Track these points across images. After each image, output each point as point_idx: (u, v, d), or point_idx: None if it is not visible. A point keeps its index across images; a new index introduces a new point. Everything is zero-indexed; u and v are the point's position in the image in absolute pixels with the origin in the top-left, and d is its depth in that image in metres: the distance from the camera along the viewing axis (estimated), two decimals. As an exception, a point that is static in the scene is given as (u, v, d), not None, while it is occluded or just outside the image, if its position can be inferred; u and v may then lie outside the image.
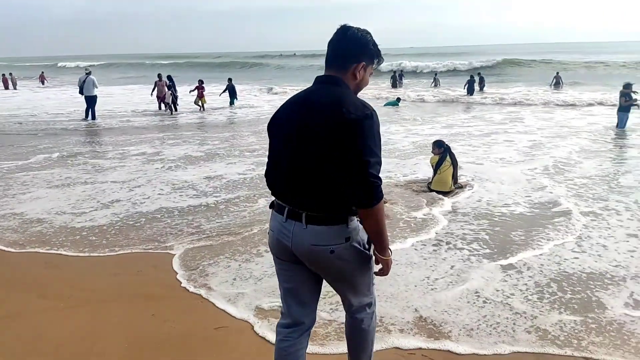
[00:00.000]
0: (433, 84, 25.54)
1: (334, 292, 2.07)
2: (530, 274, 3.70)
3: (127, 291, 3.51)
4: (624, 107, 11.03)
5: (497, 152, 8.61)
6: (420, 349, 2.74)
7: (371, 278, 1.99)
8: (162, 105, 16.21)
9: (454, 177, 6.06)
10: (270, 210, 1.95)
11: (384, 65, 34.15)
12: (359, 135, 1.65)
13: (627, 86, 11.19)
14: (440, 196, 5.78)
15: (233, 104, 17.54)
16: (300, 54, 77.13)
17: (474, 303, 3.27)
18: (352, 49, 1.82)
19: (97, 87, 14.11)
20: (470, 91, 20.17)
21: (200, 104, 16.30)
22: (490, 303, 3.26)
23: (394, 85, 24.83)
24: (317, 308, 2.07)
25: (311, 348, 2.54)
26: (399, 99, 17.70)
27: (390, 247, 1.88)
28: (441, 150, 6.14)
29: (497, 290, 3.44)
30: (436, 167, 6.04)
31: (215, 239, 4.50)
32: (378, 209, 1.71)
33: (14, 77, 30.07)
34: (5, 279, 3.73)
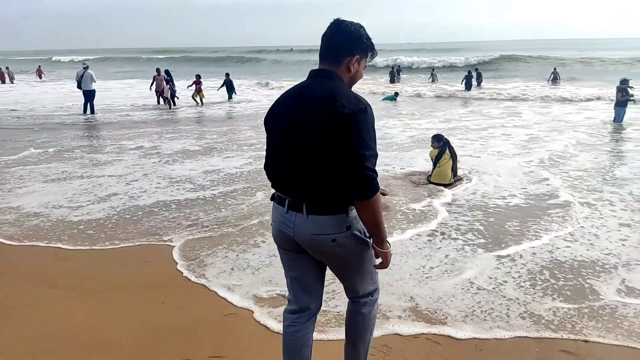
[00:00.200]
0: (430, 79, 25.55)
1: (332, 280, 2.09)
2: (524, 262, 3.76)
3: (134, 281, 3.54)
4: (621, 102, 11.10)
5: (494, 145, 8.66)
6: (422, 334, 2.79)
7: (374, 264, 2.00)
8: (161, 100, 16.17)
9: (454, 170, 6.11)
10: (272, 202, 1.97)
11: (382, 61, 34.38)
12: (353, 130, 1.66)
13: (624, 82, 11.25)
14: (441, 188, 5.83)
15: (231, 98, 17.51)
16: (297, 49, 76.92)
17: (468, 290, 3.32)
18: (345, 43, 1.82)
19: (95, 82, 14.05)
20: (468, 86, 20.19)
21: (198, 98, 16.26)
22: (484, 290, 3.31)
23: (392, 81, 24.83)
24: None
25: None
26: (396, 94, 17.71)
27: (389, 239, 1.90)
28: (440, 144, 6.18)
29: (490, 278, 3.50)
30: (436, 160, 6.09)
31: (214, 230, 4.53)
32: (374, 201, 1.71)
33: (10, 71, 29.87)
34: (13, 271, 3.76)
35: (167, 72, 16.37)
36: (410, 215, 4.92)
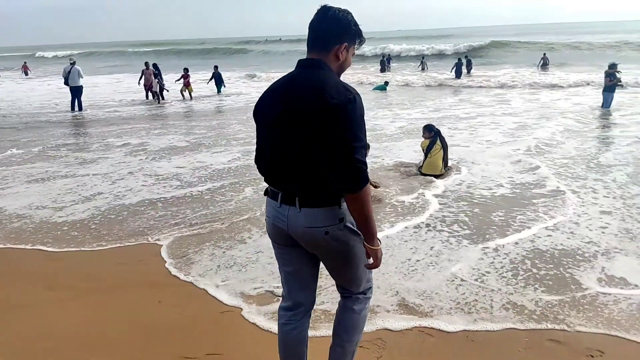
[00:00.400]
0: (420, 67, 25.47)
1: (321, 275, 2.06)
2: (507, 252, 3.80)
3: (129, 280, 3.53)
4: (609, 87, 11.13)
5: (483, 134, 8.69)
6: (414, 327, 2.81)
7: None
8: (150, 95, 15.99)
9: (444, 160, 6.11)
10: (265, 197, 1.96)
11: (372, 50, 34.16)
12: (342, 120, 1.64)
13: (612, 66, 11.28)
14: (432, 179, 5.84)
15: (220, 92, 17.31)
16: (286, 39, 76.30)
17: (452, 281, 3.35)
18: (333, 30, 1.79)
19: (82, 77, 13.85)
20: (458, 74, 20.16)
21: (187, 93, 16.09)
22: (467, 282, 3.34)
23: (382, 70, 24.72)
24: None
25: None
26: (386, 83, 17.64)
27: (380, 233, 1.88)
28: (431, 134, 6.17)
29: (473, 269, 3.53)
30: (427, 150, 6.09)
31: (203, 227, 4.52)
32: (364, 193, 1.70)
33: (-5, 69, 29.38)
34: (9, 272, 3.75)
35: (155, 65, 16.17)
36: (401, 207, 4.92)
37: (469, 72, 21.59)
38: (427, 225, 4.43)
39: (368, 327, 2.67)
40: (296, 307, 2.02)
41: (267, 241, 4.11)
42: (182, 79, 16.16)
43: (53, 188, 6.02)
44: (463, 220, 4.54)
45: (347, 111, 1.65)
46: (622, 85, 11.59)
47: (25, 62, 34.47)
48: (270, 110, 1.82)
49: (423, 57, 27.92)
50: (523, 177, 5.91)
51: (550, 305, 3.00)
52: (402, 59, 32.40)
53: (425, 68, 25.28)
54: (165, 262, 3.81)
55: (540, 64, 23.59)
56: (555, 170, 6.13)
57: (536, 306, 3.00)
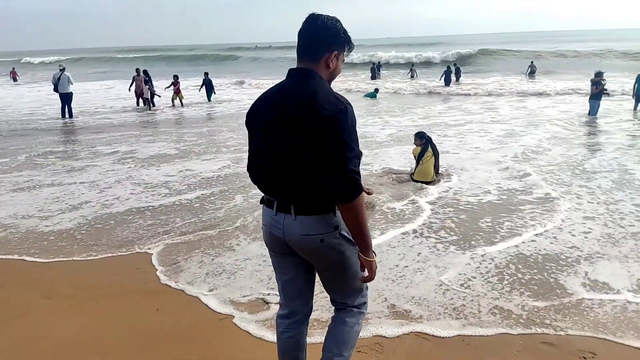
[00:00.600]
0: (410, 75, 25.68)
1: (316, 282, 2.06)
2: (492, 257, 3.86)
3: (125, 289, 3.52)
4: (595, 95, 11.32)
5: (472, 142, 8.77)
6: (412, 332, 2.84)
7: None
8: (140, 101, 15.91)
9: (436, 167, 6.17)
10: (262, 205, 1.96)
11: (362, 57, 34.38)
12: (334, 131, 1.65)
13: (598, 74, 11.48)
14: (424, 185, 5.89)
15: (210, 99, 17.19)
16: (276, 46, 76.49)
17: (440, 286, 3.39)
18: (323, 39, 1.80)
19: (72, 84, 13.73)
20: (447, 82, 20.36)
21: (177, 100, 16.03)
22: (454, 287, 3.38)
23: (373, 77, 24.89)
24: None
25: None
26: (377, 90, 17.75)
27: (375, 240, 1.89)
28: (423, 141, 6.23)
29: (460, 274, 3.58)
30: (418, 158, 6.15)
31: (192, 235, 4.51)
32: (358, 202, 1.70)
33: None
34: (4, 281, 3.72)
35: (145, 72, 16.10)
36: (394, 214, 4.96)
37: (457, 79, 21.82)
38: (415, 231, 4.47)
39: (363, 333, 2.69)
40: (293, 314, 2.03)
41: (255, 248, 4.13)
42: (172, 86, 16.09)
43: (39, 197, 5.95)
44: (450, 226, 4.58)
45: (339, 122, 1.66)
46: (608, 94, 11.79)
47: (13, 68, 34.15)
48: (265, 114, 1.83)
49: (412, 65, 28.18)
50: (510, 183, 5.99)
51: (536, 310, 3.05)
52: (391, 67, 32.67)
53: (415, 76, 25.51)
54: (157, 269, 3.80)
55: (528, 72, 23.93)
56: (542, 176, 6.22)
57: (523, 310, 3.05)
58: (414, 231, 4.47)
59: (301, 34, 1.81)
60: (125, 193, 6.01)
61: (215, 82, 19.03)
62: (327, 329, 2.07)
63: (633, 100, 12.08)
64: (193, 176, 6.72)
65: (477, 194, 5.61)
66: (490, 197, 5.48)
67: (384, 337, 2.80)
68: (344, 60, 1.89)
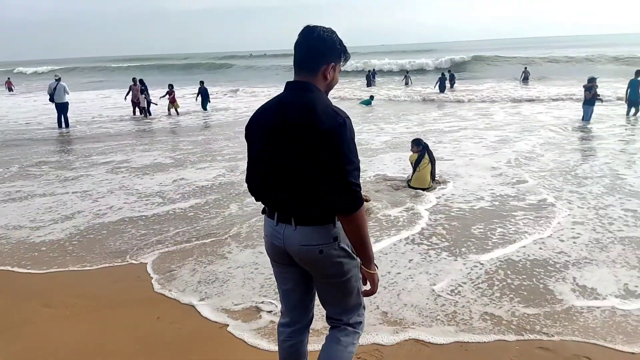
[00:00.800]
0: (404, 82, 25.81)
1: None
2: (481, 263, 3.88)
3: (125, 298, 3.53)
4: (589, 101, 11.40)
5: (467, 148, 8.81)
6: (410, 339, 2.86)
7: (362, 297, 1.97)
8: (137, 110, 15.90)
9: (432, 174, 6.21)
10: (264, 215, 1.98)
11: (357, 65, 34.55)
12: (333, 144, 1.66)
13: (591, 80, 11.56)
14: (421, 192, 5.93)
15: (206, 109, 17.09)
16: (271, 54, 76.81)
17: (431, 293, 3.41)
18: (320, 51, 1.80)
19: (68, 94, 13.73)
20: (442, 88, 20.47)
21: (174, 109, 16.04)
22: (444, 294, 3.40)
23: (368, 84, 25.00)
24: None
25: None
26: (372, 97, 17.82)
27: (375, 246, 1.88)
28: (420, 148, 6.27)
29: (452, 280, 3.60)
30: (415, 164, 6.18)
31: (187, 243, 4.52)
32: (359, 214, 1.71)
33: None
34: (4, 290, 3.73)
35: (141, 81, 16.13)
36: (390, 221, 4.98)
37: (452, 86, 21.95)
38: (412, 238, 4.49)
39: (360, 341, 2.65)
40: (294, 323, 2.05)
41: (248, 256, 4.11)
42: (167, 95, 16.10)
43: (31, 207, 5.93)
44: (441, 233, 4.61)
45: (338, 135, 1.66)
46: (601, 100, 11.88)
47: (9, 78, 34.09)
48: (265, 124, 1.83)
49: (407, 72, 28.34)
50: (502, 189, 6.03)
51: (526, 316, 3.07)
52: (385, 74, 32.85)
53: (409, 83, 25.65)
54: (153, 278, 3.81)
55: (522, 78, 24.10)
56: (535, 182, 6.26)
57: (513, 317, 3.07)
58: (411, 238, 4.48)
59: (297, 46, 1.82)
60: (118, 202, 6.00)
61: (210, 90, 19.04)
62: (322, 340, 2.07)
63: (626, 106, 12.18)
64: (187, 185, 6.72)
65: (470, 200, 5.64)
66: (483, 203, 5.51)
67: (382, 344, 2.81)
68: (340, 70, 1.90)
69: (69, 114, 13.73)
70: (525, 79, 23.93)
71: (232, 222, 5.04)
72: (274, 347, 2.77)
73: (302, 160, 1.72)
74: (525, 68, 24.96)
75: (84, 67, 61.32)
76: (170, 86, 16.39)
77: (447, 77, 21.58)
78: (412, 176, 6.22)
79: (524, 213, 5.08)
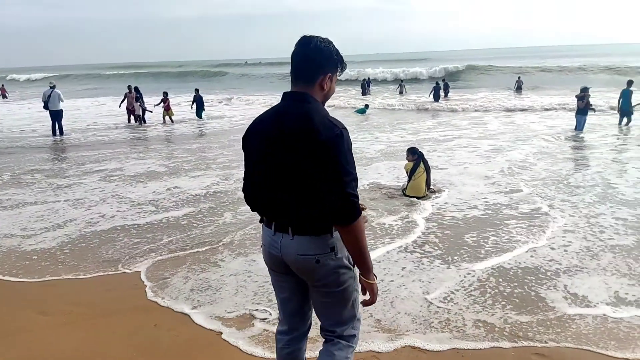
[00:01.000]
0: (399, 91, 25.97)
1: None
2: (473, 271, 3.90)
3: (120, 306, 3.52)
4: (582, 110, 11.52)
5: (461, 157, 8.86)
6: (406, 346, 2.87)
7: (357, 308, 1.97)
8: (132, 118, 15.87)
9: (427, 182, 6.23)
10: (262, 225, 1.99)
11: (351, 74, 34.70)
12: (331, 155, 1.67)
13: (584, 90, 11.68)
14: (416, 201, 5.96)
15: (201, 117, 17.05)
16: (266, 62, 77.13)
17: (424, 301, 3.42)
18: (317, 62, 1.81)
19: (63, 101, 13.67)
20: (436, 97, 20.60)
21: (168, 117, 16.03)
22: (437, 301, 3.42)
23: (363, 93, 25.13)
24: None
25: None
26: (367, 106, 17.90)
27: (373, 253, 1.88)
28: (415, 157, 6.30)
29: (446, 288, 3.61)
30: (410, 173, 6.21)
31: (182, 251, 4.51)
32: (358, 225, 1.72)
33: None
34: (1, 298, 3.71)
35: (136, 89, 16.12)
36: (386, 230, 4.99)
37: (446, 95, 22.10)
38: (407, 246, 4.51)
39: (357, 348, 2.67)
40: (292, 331, 2.06)
41: (243, 264, 4.08)
42: (162, 103, 16.10)
43: (23, 215, 5.88)
44: (434, 241, 4.63)
45: (336, 146, 1.68)
46: (593, 109, 12.01)
47: (2, 85, 33.97)
48: (263, 132, 1.84)
49: (402, 81, 28.53)
50: (495, 198, 6.07)
51: (518, 323, 3.09)
52: (380, 83, 33.03)
53: (404, 91, 25.80)
54: (146, 286, 3.79)
55: (516, 87, 24.31)
56: (529, 191, 6.30)
57: (506, 324, 3.09)
58: (405, 246, 4.50)
59: (294, 56, 1.83)
60: (111, 211, 5.96)
61: (205, 98, 19.05)
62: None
63: (618, 115, 12.31)
64: (181, 193, 6.69)
65: (463, 209, 5.67)
66: (477, 212, 5.54)
67: (379, 352, 2.82)
68: (337, 80, 1.91)
69: (63, 122, 13.69)
70: (518, 88, 24.16)
71: (226, 231, 5.03)
72: (270, 355, 2.78)
73: (302, 162, 1.72)
74: (519, 77, 25.21)
75: (78, 75, 61.08)
76: (165, 94, 16.39)
77: (441, 86, 21.73)
78: (407, 185, 6.25)
79: (516, 222, 5.11)
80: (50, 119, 13.51)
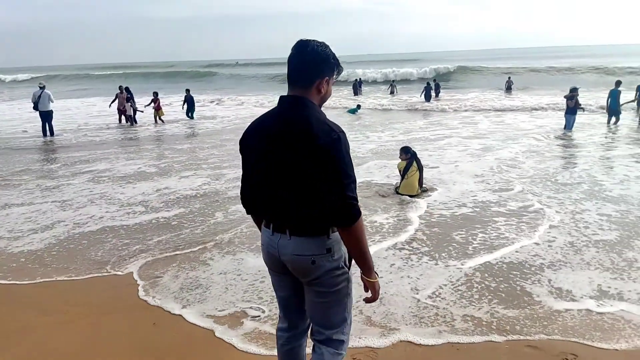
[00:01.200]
0: (390, 91, 26.05)
1: None
2: (462, 268, 3.95)
3: (118, 305, 3.53)
4: (571, 110, 11.64)
5: (451, 156, 8.92)
6: (400, 341, 2.92)
7: (348, 314, 1.99)
8: (123, 118, 15.76)
9: (420, 181, 6.29)
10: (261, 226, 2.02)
11: (343, 74, 34.61)
12: (330, 160, 1.68)
13: (573, 90, 11.81)
14: (409, 199, 6.02)
15: (192, 117, 16.98)
16: (256, 63, 77.01)
17: (413, 297, 3.47)
18: (314, 66, 1.82)
19: (53, 102, 13.55)
20: (427, 98, 20.71)
21: (159, 117, 15.94)
22: (425, 297, 3.46)
23: (355, 93, 25.17)
24: None
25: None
26: (359, 106, 17.94)
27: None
28: (408, 156, 6.36)
29: (435, 285, 3.66)
30: (404, 172, 6.26)
31: (169, 253, 4.49)
32: (358, 226, 1.73)
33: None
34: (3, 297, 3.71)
35: (127, 89, 16.02)
36: (381, 228, 5.02)
37: (437, 95, 22.22)
38: (400, 243, 4.55)
39: (354, 343, 2.79)
40: (292, 328, 2.10)
41: (228, 263, 4.10)
42: (152, 104, 16.01)
43: (10, 217, 5.82)
44: (421, 239, 4.69)
45: (334, 149, 1.69)
46: (583, 109, 12.15)
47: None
48: (264, 130, 1.85)
49: (393, 81, 28.64)
50: (484, 196, 6.14)
51: (506, 317, 3.15)
52: (371, 83, 33.10)
53: (395, 92, 25.89)
54: (138, 285, 3.80)
55: (506, 88, 24.50)
56: (517, 189, 6.38)
57: (493, 318, 3.15)
58: (396, 244, 4.53)
59: (292, 60, 1.84)
60: (99, 212, 5.92)
61: (195, 98, 18.95)
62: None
63: (606, 115, 12.46)
64: (172, 193, 6.67)
65: (452, 207, 5.72)
66: (465, 209, 5.60)
67: (375, 347, 2.85)
68: (333, 82, 1.93)
69: (54, 122, 13.56)
70: (508, 88, 24.35)
71: (216, 231, 5.02)
72: (264, 352, 2.82)
73: (302, 162, 1.73)
74: (509, 78, 25.42)
75: (67, 75, 60.35)
76: (155, 94, 16.30)
77: (432, 87, 21.84)
78: (400, 183, 6.30)
79: (505, 219, 5.17)
80: (40, 119, 13.38)
